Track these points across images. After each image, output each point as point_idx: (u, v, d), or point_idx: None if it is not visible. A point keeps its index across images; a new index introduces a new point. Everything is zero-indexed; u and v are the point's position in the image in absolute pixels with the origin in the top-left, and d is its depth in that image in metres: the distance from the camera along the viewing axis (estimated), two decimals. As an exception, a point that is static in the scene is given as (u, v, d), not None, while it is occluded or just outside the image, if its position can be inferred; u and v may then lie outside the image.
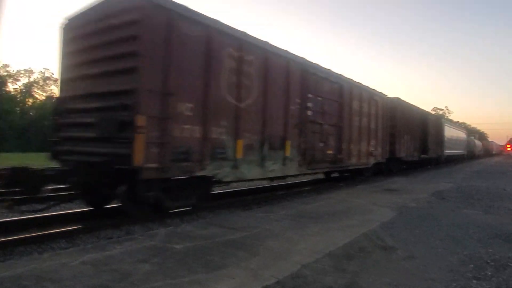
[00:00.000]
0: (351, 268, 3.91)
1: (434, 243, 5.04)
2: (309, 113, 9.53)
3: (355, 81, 12.62)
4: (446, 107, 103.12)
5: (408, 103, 19.38)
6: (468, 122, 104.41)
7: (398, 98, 17.50)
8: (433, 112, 56.96)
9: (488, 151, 71.93)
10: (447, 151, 28.39)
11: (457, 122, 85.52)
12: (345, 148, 11.55)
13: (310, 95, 9.55)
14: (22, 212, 6.19)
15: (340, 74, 11.47)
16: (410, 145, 18.74)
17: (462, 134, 38.40)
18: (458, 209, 7.79)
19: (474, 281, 3.69)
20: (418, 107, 21.58)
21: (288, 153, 8.68)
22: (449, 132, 29.82)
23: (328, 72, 10.71)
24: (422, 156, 21.21)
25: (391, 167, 16.70)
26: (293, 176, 9.78)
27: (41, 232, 5.37)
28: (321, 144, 10.21)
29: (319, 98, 10.06)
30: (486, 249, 4.81)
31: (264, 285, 3.33)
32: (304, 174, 10.54)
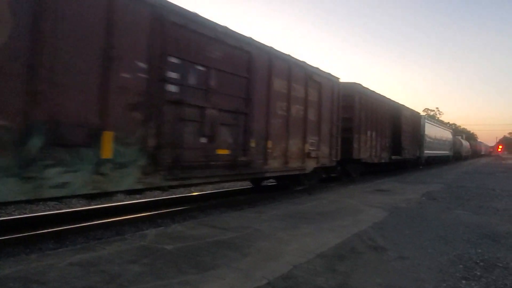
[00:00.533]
0: (342, 268, 3.91)
1: (425, 243, 5.07)
2: (171, 88, 5.97)
3: (280, 52, 8.75)
4: (437, 108, 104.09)
5: (373, 92, 15.00)
6: (458, 123, 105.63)
7: (357, 84, 13.52)
8: (424, 113, 54.60)
9: (476, 152, 68.69)
10: (429, 152, 25.46)
11: (448, 123, 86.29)
12: (256, 146, 7.90)
13: (173, 60, 5.99)
14: None
15: (251, 38, 7.74)
16: (376, 144, 15.32)
17: (447, 134, 35.16)
18: (448, 210, 7.86)
19: (463, 281, 3.72)
20: (389, 99, 17.44)
21: (108, 153, 5.00)
22: (431, 131, 26.87)
23: (224, 30, 7.02)
24: (394, 157, 17.82)
25: (349, 171, 13.66)
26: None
27: (29, 232, 5.28)
28: (203, 140, 6.59)
29: (200, 68, 6.51)
30: (475, 250, 4.85)
31: (255, 286, 3.31)
32: (168, 188, 6.43)
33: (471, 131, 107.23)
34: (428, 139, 25.31)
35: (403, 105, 19.49)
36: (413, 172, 20.38)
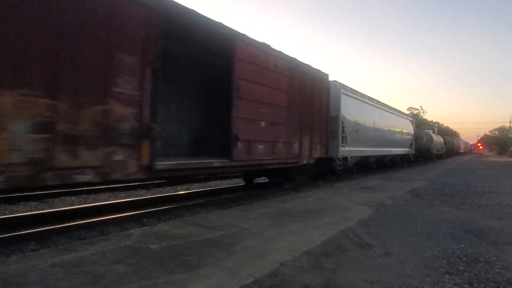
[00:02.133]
0: (328, 265, 3.92)
1: (410, 239, 5.14)
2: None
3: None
4: (420, 106, 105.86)
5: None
6: (441, 121, 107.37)
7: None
8: (407, 112, 49.04)
9: (453, 150, 54.01)
10: (361, 149, 15.34)
11: (431, 121, 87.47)
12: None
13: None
14: None
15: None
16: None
17: (404, 123, 24.13)
18: (432, 206, 7.99)
19: (447, 276, 3.77)
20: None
21: None
22: (365, 116, 16.18)
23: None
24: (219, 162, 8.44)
25: None
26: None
27: (9, 234, 5.14)
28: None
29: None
30: (459, 245, 4.94)
31: (242, 285, 3.29)
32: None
33: (454, 130, 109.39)
34: (358, 129, 15.10)
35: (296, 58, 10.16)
36: (399, 170, 20.67)
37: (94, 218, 6.21)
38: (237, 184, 11.93)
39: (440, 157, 40.31)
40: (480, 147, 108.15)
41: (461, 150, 63.71)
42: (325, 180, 13.16)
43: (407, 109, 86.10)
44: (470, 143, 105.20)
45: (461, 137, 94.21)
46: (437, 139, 39.80)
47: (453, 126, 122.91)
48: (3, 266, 3.48)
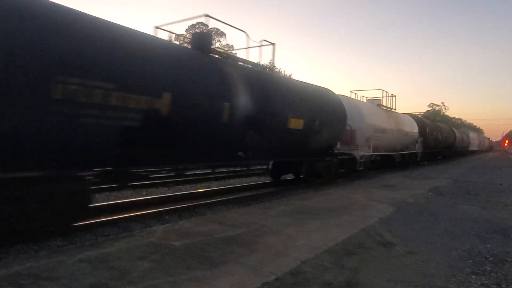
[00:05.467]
0: (350, 264, 3.89)
1: (433, 238, 5.04)
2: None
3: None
4: (442, 103, 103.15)
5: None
6: (464, 118, 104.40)
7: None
8: (429, 108, 47.22)
9: (452, 147, 32.15)
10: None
11: (453, 118, 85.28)
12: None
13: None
14: None
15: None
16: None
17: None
18: (456, 205, 7.80)
19: (473, 277, 3.69)
20: None
21: None
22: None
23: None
24: None
25: None
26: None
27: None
28: None
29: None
30: (485, 244, 4.82)
31: (264, 282, 3.31)
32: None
33: (477, 126, 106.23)
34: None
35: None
36: (419, 168, 20.26)
37: (117, 215, 6.35)
38: (256, 182, 11.96)
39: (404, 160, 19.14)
40: (506, 144, 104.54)
41: (473, 148, 46.60)
42: (345, 178, 13.04)
43: (428, 105, 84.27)
44: (490, 139, 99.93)
45: (483, 133, 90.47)
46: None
47: (477, 123, 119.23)
48: (33, 261, 3.62)
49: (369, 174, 14.68)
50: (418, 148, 20.78)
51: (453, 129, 34.79)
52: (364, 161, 13.17)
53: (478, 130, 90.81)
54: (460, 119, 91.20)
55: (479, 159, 35.81)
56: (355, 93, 15.96)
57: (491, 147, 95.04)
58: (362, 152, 13.19)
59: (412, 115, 22.69)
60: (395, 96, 17.95)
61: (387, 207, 7.24)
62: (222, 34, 45.39)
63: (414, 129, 20.27)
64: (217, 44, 44.54)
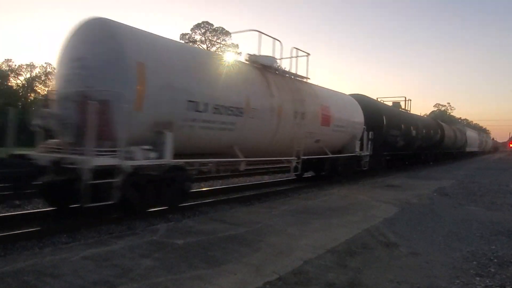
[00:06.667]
0: (353, 264, 3.88)
1: (437, 239, 5.01)
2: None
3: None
4: (448, 103, 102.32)
5: None
6: (470, 119, 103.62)
7: None
8: (434, 109, 45.36)
9: (441, 145, 25.23)
10: None
11: (459, 118, 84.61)
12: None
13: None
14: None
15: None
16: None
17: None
18: (461, 206, 7.75)
19: (477, 278, 3.66)
20: None
21: None
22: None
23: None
24: None
25: None
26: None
27: (41, 227, 5.36)
28: None
29: None
30: (489, 246, 4.78)
31: (266, 281, 3.31)
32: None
33: (484, 127, 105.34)
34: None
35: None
36: (424, 168, 20.15)
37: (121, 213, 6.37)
38: (259, 181, 11.96)
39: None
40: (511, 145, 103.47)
41: (473, 148, 41.13)
42: (348, 177, 12.99)
43: (433, 105, 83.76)
44: (494, 139, 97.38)
45: (489, 133, 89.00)
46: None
47: (483, 124, 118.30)
48: (37, 257, 3.64)
49: (372, 174, 14.62)
50: (362, 149, 12.85)
51: (441, 123, 26.89)
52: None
53: (484, 131, 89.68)
54: (466, 119, 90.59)
55: (483, 160, 35.50)
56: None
57: (496, 148, 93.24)
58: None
59: (356, 95, 14.34)
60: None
61: (391, 207, 7.21)
62: (227, 33, 45.50)
63: (356, 117, 12.53)
64: (222, 43, 44.73)
